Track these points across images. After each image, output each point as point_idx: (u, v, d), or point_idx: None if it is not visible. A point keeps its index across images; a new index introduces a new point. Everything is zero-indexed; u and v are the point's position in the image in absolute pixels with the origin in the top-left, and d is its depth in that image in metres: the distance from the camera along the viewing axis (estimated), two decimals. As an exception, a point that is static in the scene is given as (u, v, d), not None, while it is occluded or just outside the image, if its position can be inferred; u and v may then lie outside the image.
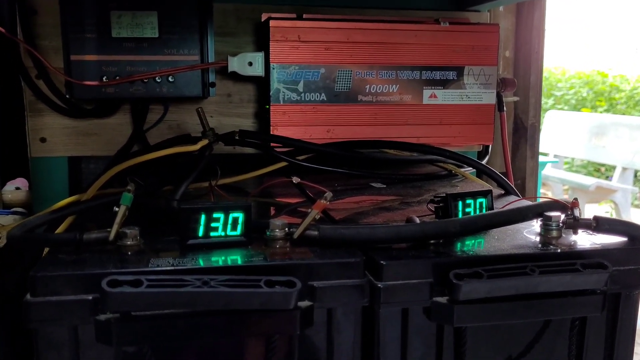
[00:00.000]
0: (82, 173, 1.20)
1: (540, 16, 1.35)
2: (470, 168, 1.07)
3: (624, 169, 4.78)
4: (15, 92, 1.20)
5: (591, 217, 0.68)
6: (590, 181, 4.47)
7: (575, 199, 0.70)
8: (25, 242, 0.61)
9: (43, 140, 1.13)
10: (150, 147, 1.10)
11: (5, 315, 1.15)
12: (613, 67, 7.01)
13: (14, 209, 1.16)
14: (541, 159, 4.57)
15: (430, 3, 1.26)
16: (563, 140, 5.26)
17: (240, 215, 0.62)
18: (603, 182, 4.62)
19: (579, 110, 6.21)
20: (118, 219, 0.59)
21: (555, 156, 5.28)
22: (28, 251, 1.09)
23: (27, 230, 0.62)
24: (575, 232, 0.68)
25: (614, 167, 4.94)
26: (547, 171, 4.56)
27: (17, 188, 1.25)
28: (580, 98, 6.56)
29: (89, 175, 1.19)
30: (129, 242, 0.59)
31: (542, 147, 5.19)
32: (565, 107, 6.33)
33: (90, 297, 0.53)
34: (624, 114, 6.00)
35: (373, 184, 1.00)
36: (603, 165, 5.46)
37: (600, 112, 6.12)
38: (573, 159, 5.50)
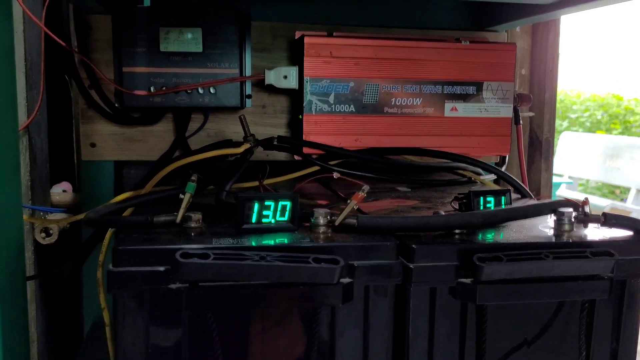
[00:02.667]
0: (123, 177, 1.29)
1: (554, 37, 1.43)
2: (489, 176, 1.15)
3: (639, 191, 4.81)
4: (62, 101, 1.30)
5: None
6: (604, 203, 4.50)
7: (586, 198, 0.78)
8: (103, 224, 0.69)
9: (93, 145, 1.23)
10: (194, 151, 1.18)
11: (61, 299, 1.23)
12: (628, 90, 7.06)
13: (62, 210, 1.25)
14: (556, 179, 4.62)
15: (451, 23, 1.35)
16: (578, 161, 5.30)
17: (288, 204, 0.70)
18: (618, 203, 4.65)
19: (593, 132, 6.26)
20: (184, 204, 0.68)
21: (570, 177, 5.32)
22: (78, 244, 1.18)
23: (102, 215, 0.71)
24: (586, 227, 0.76)
25: (628, 189, 4.97)
26: (561, 192, 4.60)
27: (64, 191, 1.34)
28: (595, 120, 6.60)
29: (130, 179, 1.29)
30: (193, 225, 0.68)
31: (557, 168, 5.25)
32: (580, 130, 6.38)
33: (163, 269, 0.61)
34: (639, 136, 6.04)
35: (399, 188, 1.08)
36: (618, 187, 5.49)
37: (615, 135, 6.16)
38: (588, 180, 5.53)
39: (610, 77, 8.05)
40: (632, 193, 4.85)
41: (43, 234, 1.06)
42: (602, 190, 5.63)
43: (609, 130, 6.41)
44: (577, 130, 6.27)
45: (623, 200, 5.11)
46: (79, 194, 1.26)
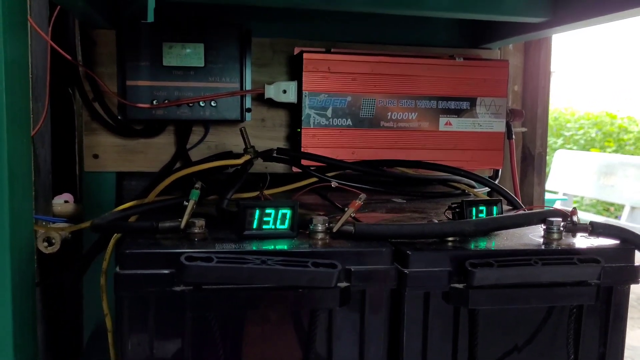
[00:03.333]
0: (123, 189, 1.31)
1: (546, 55, 1.47)
2: (482, 188, 1.18)
3: (633, 208, 4.85)
4: (66, 113, 1.33)
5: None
6: (599, 220, 4.51)
7: (574, 207, 0.81)
8: (110, 229, 0.72)
9: (95, 156, 1.25)
10: (196, 162, 1.21)
11: (61, 308, 1.25)
12: (622, 108, 7.14)
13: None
14: (551, 196, 4.65)
15: (446, 40, 1.39)
16: (572, 179, 5.35)
17: (288, 212, 0.73)
18: (612, 221, 4.68)
19: (587, 150, 6.31)
20: (188, 211, 0.70)
21: (565, 194, 5.36)
22: (79, 254, 1.20)
23: (109, 221, 0.73)
24: (574, 236, 0.79)
25: (622, 207, 5.02)
26: (556, 208, 4.60)
27: (66, 201, 1.37)
28: (589, 138, 6.67)
29: (130, 190, 1.31)
30: (196, 231, 0.70)
31: (552, 185, 5.30)
32: (574, 147, 6.44)
33: (168, 272, 0.64)
34: (632, 154, 6.10)
35: (394, 200, 1.11)
36: (612, 204, 5.53)
37: (609, 153, 6.22)
38: (582, 197, 5.57)
39: (603, 95, 8.13)
40: (626, 210, 4.90)
41: (45, 243, 1.08)
42: (597, 208, 5.67)
43: (602, 148, 6.47)
44: (571, 148, 6.32)
45: (617, 217, 5.15)
46: (80, 204, 1.29)
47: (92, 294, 1.27)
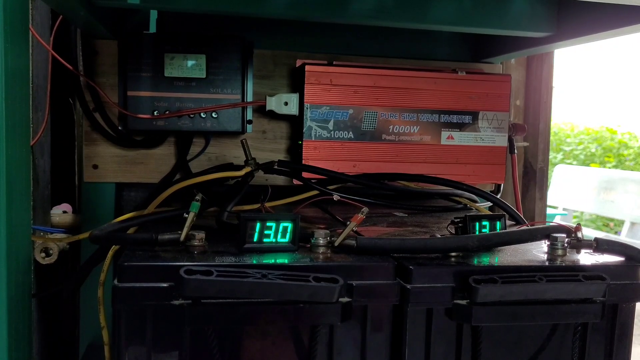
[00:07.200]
0: (123, 199, 1.30)
1: (548, 69, 1.47)
2: (485, 203, 1.17)
3: (633, 223, 4.85)
4: (66, 123, 1.33)
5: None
6: (599, 235, 4.50)
7: (579, 223, 0.80)
8: (108, 240, 0.71)
9: (95, 167, 1.24)
10: (196, 173, 1.20)
11: (57, 320, 1.24)
12: (622, 124, 7.16)
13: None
14: (550, 211, 4.64)
15: (448, 54, 1.39)
16: (572, 194, 5.35)
17: (289, 225, 0.72)
18: (612, 236, 4.68)
19: (587, 165, 6.32)
20: (188, 223, 0.69)
21: (565, 209, 5.35)
22: (77, 265, 1.19)
23: (107, 232, 0.72)
24: (578, 252, 0.78)
25: (622, 222, 5.01)
26: (556, 223, 4.60)
27: (64, 212, 1.36)
28: (589, 154, 6.67)
29: (130, 201, 1.30)
30: (196, 243, 0.69)
31: (552, 200, 5.29)
32: (574, 162, 6.44)
33: (166, 285, 0.63)
34: (632, 170, 6.10)
35: (396, 214, 1.10)
36: (612, 220, 5.52)
37: (609, 168, 6.22)
38: (582, 212, 5.57)
39: (603, 110, 8.15)
40: (626, 226, 4.89)
41: (43, 254, 1.07)
42: (597, 223, 5.66)
43: (602, 164, 6.47)
44: (571, 163, 6.33)
45: (617, 233, 5.14)
46: (79, 215, 1.28)
47: (88, 306, 1.26)
